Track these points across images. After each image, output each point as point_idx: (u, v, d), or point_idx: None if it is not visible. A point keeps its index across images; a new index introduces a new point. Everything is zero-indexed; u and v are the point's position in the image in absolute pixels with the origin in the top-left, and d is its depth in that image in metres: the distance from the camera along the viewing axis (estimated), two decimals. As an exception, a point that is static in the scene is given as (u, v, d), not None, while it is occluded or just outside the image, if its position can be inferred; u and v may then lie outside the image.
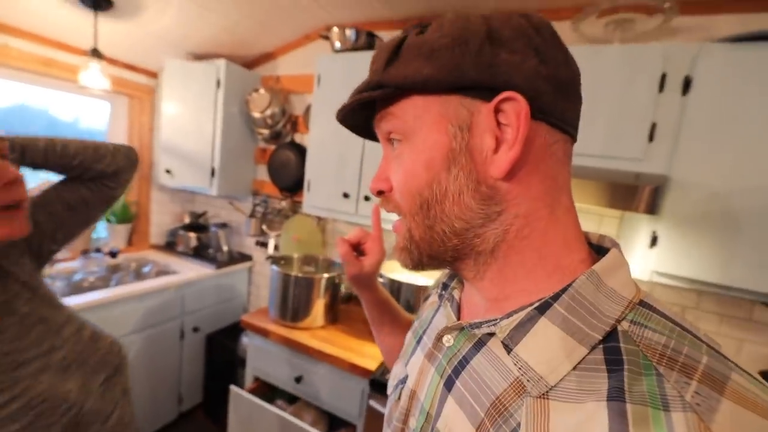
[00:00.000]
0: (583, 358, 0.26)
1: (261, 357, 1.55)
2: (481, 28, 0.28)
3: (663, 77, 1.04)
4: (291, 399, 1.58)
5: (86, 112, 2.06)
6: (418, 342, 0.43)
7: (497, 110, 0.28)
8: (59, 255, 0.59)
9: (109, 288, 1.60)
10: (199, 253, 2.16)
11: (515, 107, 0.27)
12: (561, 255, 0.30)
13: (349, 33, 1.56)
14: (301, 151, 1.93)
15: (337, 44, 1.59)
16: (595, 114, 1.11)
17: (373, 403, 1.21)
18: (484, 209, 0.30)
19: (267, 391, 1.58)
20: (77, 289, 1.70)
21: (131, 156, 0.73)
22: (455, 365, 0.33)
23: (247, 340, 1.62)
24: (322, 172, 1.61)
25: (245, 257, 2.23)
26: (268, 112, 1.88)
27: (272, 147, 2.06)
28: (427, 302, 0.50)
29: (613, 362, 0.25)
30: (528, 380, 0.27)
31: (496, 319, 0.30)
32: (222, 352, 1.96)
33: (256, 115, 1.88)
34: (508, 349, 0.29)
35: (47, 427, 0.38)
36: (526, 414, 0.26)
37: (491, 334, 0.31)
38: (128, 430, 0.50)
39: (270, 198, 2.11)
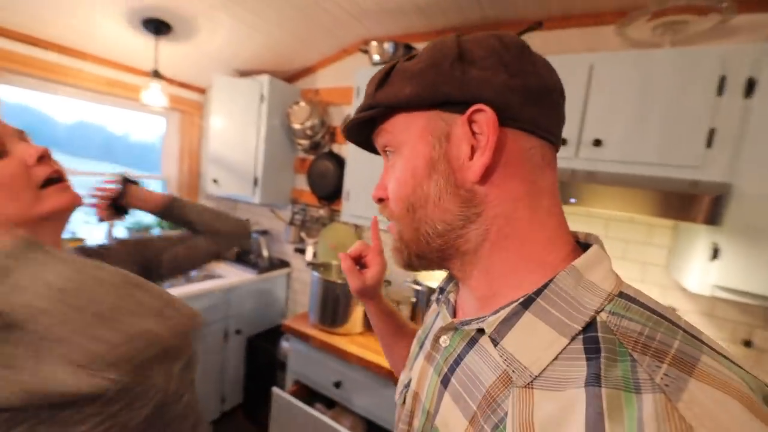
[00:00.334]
0: (564, 348, 0.27)
1: (302, 361, 1.59)
2: (453, 51, 0.32)
3: (722, 80, 0.99)
4: (329, 404, 1.61)
5: (137, 127, 2.24)
6: (421, 347, 0.45)
7: (471, 121, 0.31)
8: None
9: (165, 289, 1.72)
10: (241, 258, 2.26)
11: (485, 117, 0.30)
12: (544, 253, 0.32)
13: (387, 46, 1.61)
14: (338, 161, 1.99)
15: (376, 57, 1.64)
16: (646, 121, 1.07)
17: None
18: (464, 211, 0.32)
19: (306, 395, 1.62)
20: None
21: (246, 227, 0.90)
22: (451, 363, 0.36)
23: (288, 345, 1.67)
24: (361, 181, 1.66)
25: (284, 263, 2.31)
26: (308, 123, 1.95)
27: (311, 157, 2.14)
28: (430, 310, 0.52)
29: (592, 351, 0.26)
30: (513, 371, 0.29)
31: (485, 316, 0.32)
32: (262, 355, 2.04)
33: (297, 126, 1.97)
34: (495, 343, 0.31)
35: (140, 408, 0.43)
36: (513, 403, 0.28)
37: (482, 331, 0.33)
38: (196, 411, 0.54)
39: (308, 206, 2.18)
